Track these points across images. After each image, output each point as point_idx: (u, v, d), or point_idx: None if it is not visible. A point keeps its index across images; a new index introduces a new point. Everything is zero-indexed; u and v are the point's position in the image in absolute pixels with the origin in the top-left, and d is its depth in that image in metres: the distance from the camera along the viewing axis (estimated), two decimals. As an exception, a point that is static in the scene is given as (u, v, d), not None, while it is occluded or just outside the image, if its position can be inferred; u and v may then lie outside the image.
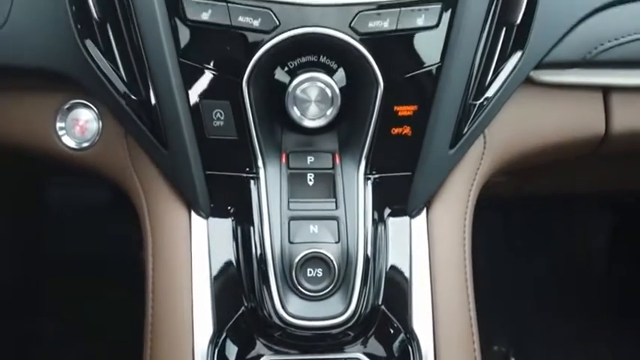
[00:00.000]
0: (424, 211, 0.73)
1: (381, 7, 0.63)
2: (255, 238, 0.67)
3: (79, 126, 0.76)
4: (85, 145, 0.76)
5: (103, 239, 1.52)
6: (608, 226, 1.62)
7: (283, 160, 0.70)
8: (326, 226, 0.67)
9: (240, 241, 0.70)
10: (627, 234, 1.60)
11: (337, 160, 0.70)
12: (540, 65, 0.76)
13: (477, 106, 0.71)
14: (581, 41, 0.75)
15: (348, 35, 0.63)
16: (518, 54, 0.71)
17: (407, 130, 0.69)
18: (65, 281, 1.48)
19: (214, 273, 0.70)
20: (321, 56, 0.66)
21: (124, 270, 1.22)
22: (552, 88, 0.79)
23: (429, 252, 0.72)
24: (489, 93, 0.71)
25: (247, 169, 0.69)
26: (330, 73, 0.66)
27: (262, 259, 0.66)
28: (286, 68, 0.66)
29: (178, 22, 0.63)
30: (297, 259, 0.64)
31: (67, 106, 0.76)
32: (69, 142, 0.76)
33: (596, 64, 0.78)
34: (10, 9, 0.69)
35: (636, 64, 0.79)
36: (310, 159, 0.70)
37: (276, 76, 0.66)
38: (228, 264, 0.70)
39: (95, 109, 0.76)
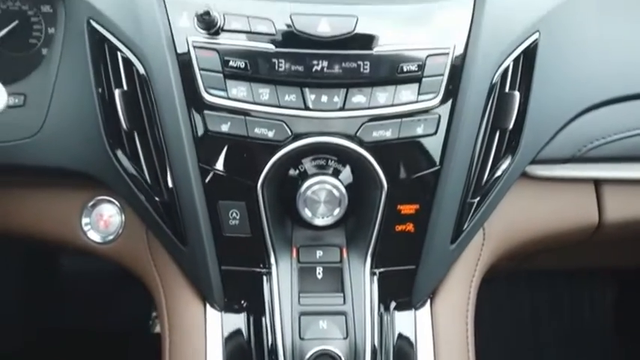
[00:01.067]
0: (428, 303, 0.77)
1: (383, 118, 0.69)
2: (267, 333, 0.71)
3: (104, 220, 0.81)
4: (110, 238, 0.81)
5: (112, 312, 1.54)
6: (612, 299, 1.63)
7: (294, 254, 0.75)
8: (335, 322, 0.70)
9: (252, 335, 0.73)
10: (631, 307, 1.61)
11: (345, 254, 0.75)
12: (533, 161, 0.81)
13: (475, 203, 0.76)
14: (570, 140, 0.81)
15: (354, 143, 0.69)
16: (512, 155, 0.77)
17: (410, 227, 0.73)
18: (70, 354, 1.49)
19: None
20: (329, 160, 0.72)
21: (134, 344, 1.23)
22: (546, 181, 0.85)
23: (434, 342, 0.75)
24: (487, 191, 0.76)
25: (260, 265, 0.74)
26: (338, 174, 0.72)
27: (274, 354, 0.69)
28: (297, 171, 0.72)
29: (200, 133, 0.70)
30: (307, 356, 0.67)
31: (92, 203, 0.81)
32: (94, 236, 0.81)
33: (587, 160, 0.83)
34: (45, 118, 0.76)
35: (625, 159, 0.84)
36: (319, 253, 0.75)
37: (288, 179, 0.72)
38: (241, 357, 0.73)
39: (118, 203, 0.81)
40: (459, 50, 0.71)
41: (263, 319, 0.72)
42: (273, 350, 0.69)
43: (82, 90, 0.74)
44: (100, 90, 0.73)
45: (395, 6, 0.71)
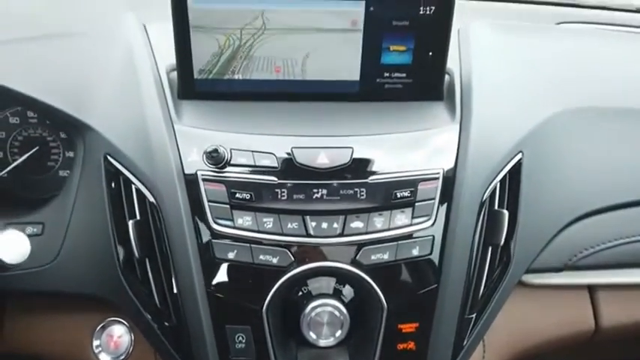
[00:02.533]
0: None
1: (381, 242, 0.74)
2: None
3: (114, 342, 0.84)
4: (121, 359, 0.83)
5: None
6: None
7: None
8: None
9: None
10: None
11: None
12: (527, 271, 0.85)
13: (473, 318, 0.79)
14: (560, 251, 0.85)
15: (354, 267, 0.74)
16: (505, 268, 0.81)
17: (411, 345, 0.76)
18: None
19: None
20: (331, 282, 0.76)
21: None
22: (541, 288, 0.88)
23: None
24: (483, 305, 0.79)
25: None
26: (340, 296, 0.76)
27: None
28: (300, 294, 0.75)
29: (208, 260, 0.74)
30: None
31: (102, 325, 0.84)
32: (105, 358, 0.83)
33: (579, 268, 0.87)
34: (61, 246, 0.81)
35: (615, 266, 0.88)
36: None
37: (291, 303, 0.76)
38: None
39: (126, 323, 0.84)
40: (449, 174, 0.76)
41: None
42: None
43: (97, 218, 0.79)
44: (114, 219, 0.78)
45: (387, 135, 0.78)
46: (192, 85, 0.86)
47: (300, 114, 0.83)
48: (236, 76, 0.88)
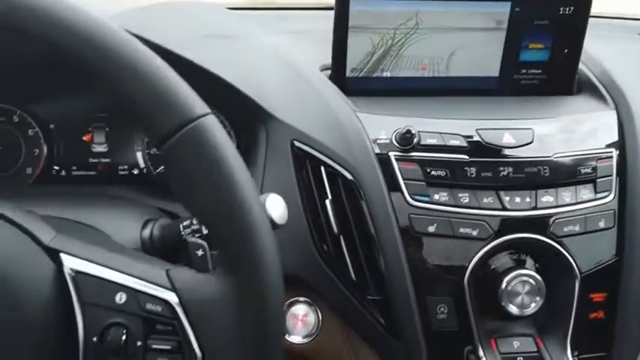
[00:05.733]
0: None
1: (570, 214, 0.78)
2: None
3: (300, 321, 0.84)
4: (306, 339, 0.84)
5: None
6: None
7: (492, 345, 0.79)
8: None
9: None
10: None
11: (540, 344, 0.79)
12: None
13: None
14: None
15: (548, 238, 0.78)
16: None
17: (601, 314, 0.79)
18: None
19: None
20: (525, 254, 0.79)
21: None
22: None
23: None
24: None
25: (469, 357, 0.78)
26: (534, 267, 0.79)
27: None
28: (497, 264, 0.79)
29: (408, 235, 0.77)
30: None
31: (287, 303, 0.85)
32: (294, 338, 0.84)
33: None
34: None
35: None
36: (516, 344, 0.79)
37: (488, 274, 0.79)
38: None
39: (311, 302, 0.85)
40: (621, 151, 0.82)
41: None
42: None
43: (286, 199, 0.81)
44: (306, 199, 0.80)
45: (560, 117, 0.84)
46: (344, 83, 0.91)
47: (451, 106, 0.88)
48: (384, 74, 0.93)
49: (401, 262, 0.76)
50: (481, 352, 0.77)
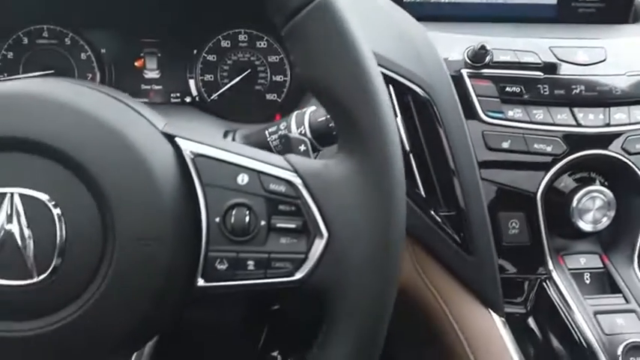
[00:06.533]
0: None
1: None
2: (574, 331, 0.74)
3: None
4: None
5: None
6: None
7: (560, 262, 0.80)
8: (629, 319, 0.75)
9: (552, 335, 0.77)
10: None
11: (606, 260, 0.81)
12: None
13: None
14: None
15: (621, 155, 0.78)
16: None
17: None
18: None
19: None
20: (596, 171, 0.80)
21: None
22: None
23: None
24: None
25: (539, 271, 0.79)
26: (605, 183, 0.80)
27: (588, 350, 0.72)
28: (569, 182, 0.79)
29: (482, 150, 0.77)
30: (620, 349, 0.71)
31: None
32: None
33: None
34: None
35: None
36: (583, 260, 0.80)
37: (560, 190, 0.79)
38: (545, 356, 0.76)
39: None
40: None
41: (553, 323, 0.76)
42: (584, 347, 0.73)
43: None
44: None
45: (629, 38, 0.84)
46: (402, 6, 0.90)
47: (518, 28, 0.87)
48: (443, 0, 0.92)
49: (476, 178, 0.76)
50: (551, 266, 0.78)
